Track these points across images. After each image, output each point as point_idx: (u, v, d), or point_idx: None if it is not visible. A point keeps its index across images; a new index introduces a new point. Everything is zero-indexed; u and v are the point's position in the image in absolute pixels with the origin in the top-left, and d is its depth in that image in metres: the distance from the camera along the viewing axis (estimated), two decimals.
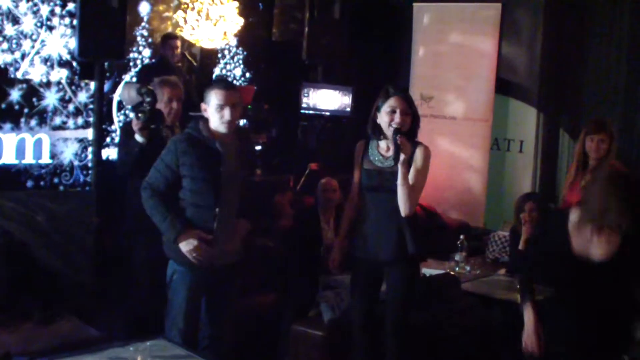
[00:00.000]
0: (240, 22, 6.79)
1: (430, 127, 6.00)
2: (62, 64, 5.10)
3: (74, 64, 5.13)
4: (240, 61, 7.56)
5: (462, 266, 4.78)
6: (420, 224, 3.75)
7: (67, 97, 4.98)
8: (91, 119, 5.10)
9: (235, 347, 3.76)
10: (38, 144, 4.83)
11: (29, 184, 4.79)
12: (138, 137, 3.92)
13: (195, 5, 6.49)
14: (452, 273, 4.61)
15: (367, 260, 3.69)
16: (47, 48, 5.03)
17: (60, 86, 4.96)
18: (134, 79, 6.45)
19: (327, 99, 7.14)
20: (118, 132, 6.04)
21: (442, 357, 4.01)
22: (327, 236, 4.69)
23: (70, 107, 4.99)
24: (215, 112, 3.40)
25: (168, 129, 4.11)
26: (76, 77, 5.13)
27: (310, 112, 7.11)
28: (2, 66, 4.90)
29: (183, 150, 3.39)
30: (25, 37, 4.95)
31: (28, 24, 4.95)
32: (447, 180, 6.50)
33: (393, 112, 3.55)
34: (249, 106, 6.82)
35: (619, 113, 6.22)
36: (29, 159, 4.78)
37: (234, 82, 7.43)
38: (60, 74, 5.07)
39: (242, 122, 6.89)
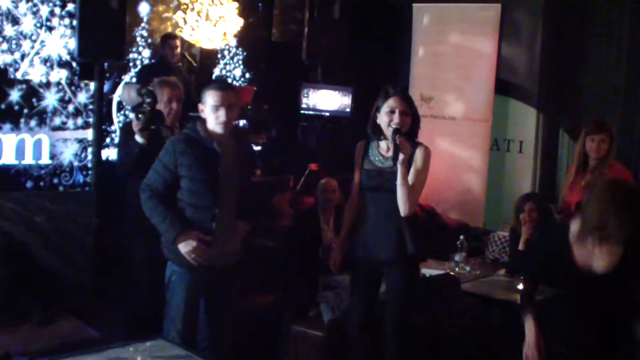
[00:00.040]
0: (240, 22, 6.79)
1: (430, 128, 5.99)
2: (62, 64, 5.10)
3: (74, 64, 5.12)
4: (240, 62, 7.57)
5: (461, 266, 4.78)
6: (420, 224, 3.75)
7: (66, 98, 4.98)
8: (91, 120, 5.09)
9: (235, 348, 3.76)
10: (38, 144, 4.83)
11: (29, 184, 4.79)
12: (138, 138, 3.93)
13: (195, 6, 6.50)
14: (451, 273, 4.61)
15: (366, 260, 3.69)
16: (47, 48, 5.03)
17: (60, 87, 4.96)
18: (134, 80, 6.44)
19: (326, 100, 7.14)
20: (118, 133, 6.04)
21: (442, 358, 4.01)
22: (326, 236, 4.69)
23: (70, 107, 4.99)
24: (211, 113, 3.41)
25: (168, 129, 4.11)
26: (76, 77, 5.12)
27: (310, 112, 7.11)
28: (2, 67, 4.89)
29: (181, 151, 3.39)
30: (25, 37, 4.94)
31: (28, 24, 4.94)
32: (447, 180, 6.50)
33: (392, 112, 3.55)
34: (249, 106, 6.82)
35: (619, 113, 6.21)
36: (28, 160, 4.78)
37: (234, 82, 7.44)
38: (60, 75, 5.06)
39: (242, 122, 6.90)
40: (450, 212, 6.53)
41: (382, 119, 3.60)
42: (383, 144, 3.69)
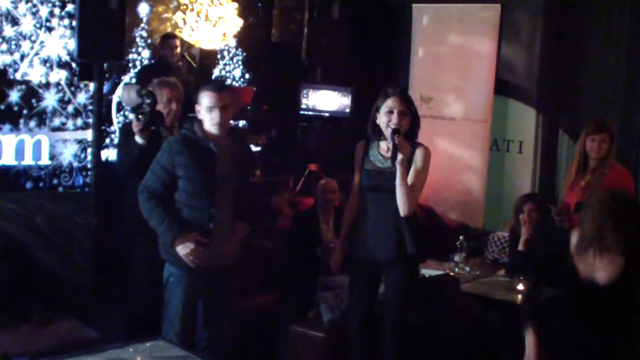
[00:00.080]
0: (239, 23, 6.79)
1: (429, 128, 6.00)
2: (62, 65, 5.09)
3: (73, 65, 5.11)
4: (240, 62, 7.56)
5: (461, 267, 4.78)
6: (420, 225, 3.75)
7: (66, 98, 4.97)
8: (90, 120, 5.09)
9: (234, 348, 3.76)
10: (37, 145, 4.82)
11: (28, 185, 4.78)
12: (138, 139, 3.92)
13: (195, 7, 6.50)
14: (451, 274, 4.60)
15: (366, 261, 3.69)
16: (47, 49, 5.02)
17: (60, 87, 4.95)
18: (134, 80, 6.44)
19: (326, 100, 7.13)
20: (117, 133, 6.04)
21: (442, 358, 4.01)
22: (326, 237, 4.69)
23: (70, 108, 4.99)
24: (206, 114, 3.41)
25: (167, 129, 4.10)
26: (75, 78, 5.12)
27: (310, 113, 7.10)
28: (2, 67, 4.89)
29: (178, 151, 3.39)
30: (25, 38, 4.94)
31: (27, 25, 4.94)
32: (447, 181, 6.51)
33: (391, 112, 3.55)
34: (249, 107, 6.82)
35: (618, 113, 6.22)
36: (28, 160, 4.78)
37: (234, 83, 7.44)
38: (59, 75, 5.06)
39: (241, 122, 6.90)
40: (450, 212, 6.54)
41: (381, 119, 3.60)
42: (383, 144, 3.69)
